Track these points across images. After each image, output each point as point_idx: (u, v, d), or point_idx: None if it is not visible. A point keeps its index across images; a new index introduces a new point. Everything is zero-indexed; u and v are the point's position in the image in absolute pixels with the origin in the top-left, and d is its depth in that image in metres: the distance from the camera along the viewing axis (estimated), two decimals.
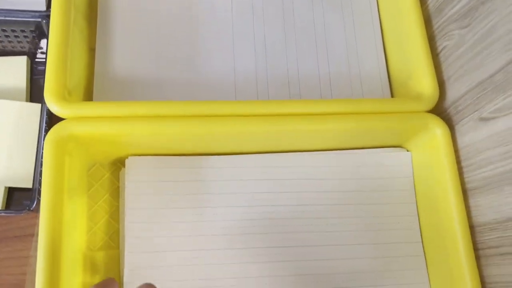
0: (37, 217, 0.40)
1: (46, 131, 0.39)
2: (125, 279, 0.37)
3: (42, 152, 0.37)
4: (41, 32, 0.43)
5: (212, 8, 0.45)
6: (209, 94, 0.43)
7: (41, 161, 0.37)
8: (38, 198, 0.37)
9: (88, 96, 0.42)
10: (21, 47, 0.44)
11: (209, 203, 0.40)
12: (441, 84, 0.41)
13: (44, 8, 0.43)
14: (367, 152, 0.44)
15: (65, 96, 0.37)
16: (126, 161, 0.40)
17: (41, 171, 0.37)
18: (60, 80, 0.36)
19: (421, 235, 0.42)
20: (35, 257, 0.37)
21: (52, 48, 0.37)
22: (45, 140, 0.35)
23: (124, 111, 0.36)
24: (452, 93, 0.40)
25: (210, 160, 0.41)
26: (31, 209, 0.36)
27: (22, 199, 0.40)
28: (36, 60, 0.44)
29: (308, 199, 0.41)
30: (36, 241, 0.37)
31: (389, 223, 0.42)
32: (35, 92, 0.44)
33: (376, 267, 0.40)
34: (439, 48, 0.42)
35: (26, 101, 0.42)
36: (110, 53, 0.42)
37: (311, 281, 0.39)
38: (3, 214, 0.38)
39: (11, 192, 0.40)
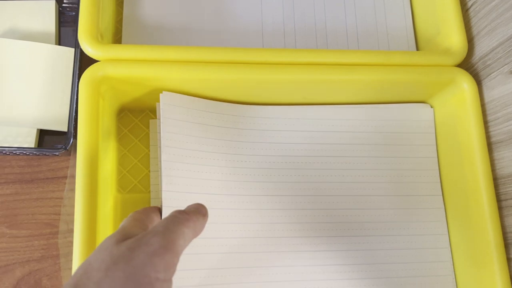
0: (68, 160, 0.40)
1: (78, 75, 0.39)
2: (163, 217, 0.37)
3: (77, 95, 0.37)
4: None
5: None
6: (236, 44, 0.43)
7: (75, 105, 0.38)
8: (72, 140, 0.37)
9: (117, 40, 0.42)
10: None
11: (239, 150, 0.40)
12: (470, 39, 0.41)
13: None
14: (392, 107, 0.44)
15: (98, 38, 0.37)
16: (161, 95, 0.39)
17: (75, 114, 0.38)
18: (93, 23, 0.36)
19: (441, 188, 0.43)
20: (69, 198, 0.38)
21: None
22: (80, 81, 0.35)
23: (157, 54, 0.36)
24: (480, 48, 0.40)
25: (241, 108, 0.41)
26: (67, 148, 0.37)
27: (53, 142, 0.40)
28: (63, 5, 0.44)
29: (334, 151, 0.42)
30: (70, 183, 0.38)
31: (411, 176, 0.43)
32: (62, 38, 0.43)
33: (397, 218, 0.41)
34: (469, 3, 0.42)
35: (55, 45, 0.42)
36: None
37: (335, 229, 0.40)
38: (38, 153, 0.39)
39: (42, 136, 0.41)
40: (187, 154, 0.38)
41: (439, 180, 0.43)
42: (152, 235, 0.25)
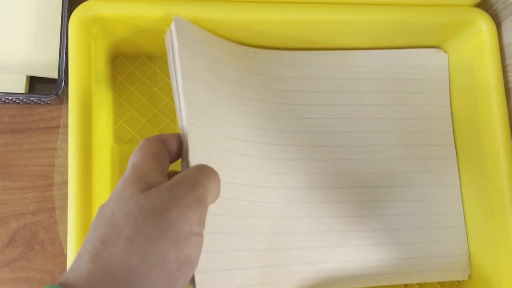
0: (61, 109, 0.38)
1: (68, 17, 0.36)
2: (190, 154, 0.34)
3: (66, 37, 0.35)
4: None
5: None
6: None
7: (66, 48, 0.35)
8: (64, 87, 0.35)
9: None
10: None
11: (249, 95, 0.37)
12: None
13: None
14: (403, 52, 0.41)
15: None
16: (174, 19, 0.32)
17: (66, 58, 0.35)
18: None
19: (454, 138, 0.41)
20: (63, 149, 0.36)
21: None
22: (69, 21, 0.32)
23: None
24: None
25: (251, 51, 0.38)
26: (58, 94, 0.34)
27: (44, 90, 0.38)
28: None
29: (343, 99, 0.39)
30: (63, 133, 0.36)
31: (423, 125, 0.41)
32: None
33: (408, 168, 0.39)
34: None
35: None
36: None
37: (344, 180, 0.38)
38: (28, 101, 0.36)
39: (32, 83, 0.38)
40: (207, 91, 0.33)
41: (451, 130, 0.41)
42: (182, 186, 0.23)
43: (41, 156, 0.38)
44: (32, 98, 0.35)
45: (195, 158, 0.28)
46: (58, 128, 0.38)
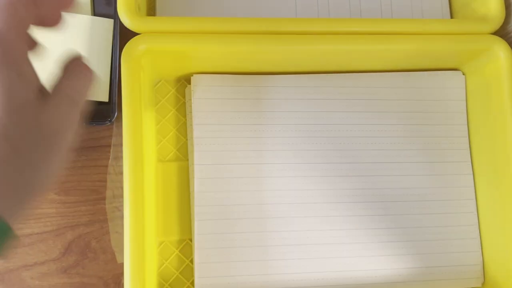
0: (109, 129, 0.42)
1: (119, 49, 0.40)
2: (195, 188, 0.39)
3: (118, 68, 0.38)
4: None
5: None
6: (269, 13, 0.43)
7: (117, 78, 0.39)
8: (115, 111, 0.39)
9: (151, 12, 0.42)
10: None
11: (272, 120, 0.41)
12: (508, 5, 0.41)
13: None
14: (423, 74, 0.44)
15: (137, 10, 0.37)
16: (192, 78, 0.41)
17: (116, 87, 0.39)
18: None
19: (470, 155, 0.44)
20: (113, 166, 0.40)
21: None
22: (122, 54, 0.36)
23: (196, 26, 0.37)
24: None
25: (274, 79, 0.42)
26: (112, 121, 0.38)
27: (96, 113, 0.42)
28: None
29: (366, 119, 0.42)
30: (114, 152, 0.40)
31: (441, 143, 0.44)
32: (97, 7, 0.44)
33: (428, 183, 0.42)
34: None
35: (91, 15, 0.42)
36: None
37: (370, 194, 0.41)
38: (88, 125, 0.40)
39: None
40: (219, 129, 0.40)
41: (468, 147, 0.44)
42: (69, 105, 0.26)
43: (92, 172, 0.41)
44: (93, 124, 0.39)
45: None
46: (107, 147, 0.42)
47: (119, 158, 0.41)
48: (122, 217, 0.40)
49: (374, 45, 0.39)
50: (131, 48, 0.36)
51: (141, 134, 0.36)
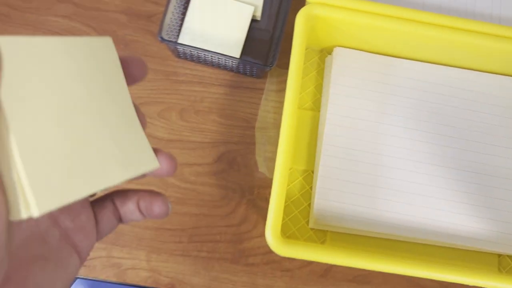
0: (260, 82, 0.54)
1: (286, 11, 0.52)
2: (325, 131, 0.50)
3: (283, 26, 0.51)
4: None
5: None
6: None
7: (282, 33, 0.51)
8: (275, 61, 0.51)
9: None
10: None
11: (395, 91, 0.52)
12: None
13: None
14: None
15: None
16: (335, 49, 0.53)
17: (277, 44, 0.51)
18: None
19: None
20: (264, 104, 0.52)
21: None
22: (297, 16, 0.48)
23: (353, 4, 0.49)
24: None
25: (404, 62, 0.53)
26: (271, 68, 0.50)
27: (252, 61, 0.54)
28: None
29: (477, 118, 0.52)
30: (266, 94, 0.52)
31: None
32: None
33: None
34: None
35: None
36: None
37: (468, 165, 0.51)
38: (244, 70, 0.52)
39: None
40: (351, 91, 0.51)
41: None
42: None
43: (246, 106, 0.53)
44: (264, 68, 0.51)
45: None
46: (259, 90, 0.54)
47: (268, 99, 0.53)
48: (264, 143, 0.52)
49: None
50: (306, 13, 0.48)
51: (299, 85, 0.48)
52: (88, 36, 0.25)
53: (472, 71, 0.54)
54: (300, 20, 0.48)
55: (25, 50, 0.22)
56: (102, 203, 0.29)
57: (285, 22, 0.52)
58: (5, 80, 0.20)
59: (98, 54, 0.25)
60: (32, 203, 0.20)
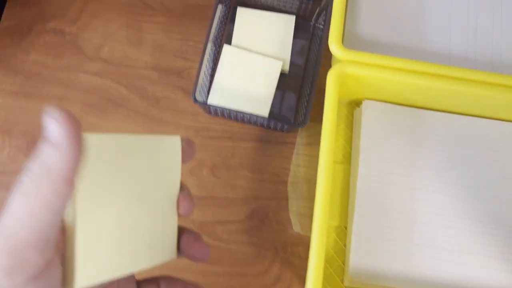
0: (290, 135, 0.54)
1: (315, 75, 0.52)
2: (358, 184, 0.50)
3: (313, 86, 0.51)
4: None
5: None
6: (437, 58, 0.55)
7: (312, 92, 0.52)
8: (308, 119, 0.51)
9: None
10: (290, 7, 0.58)
11: (426, 144, 0.52)
12: None
13: None
14: None
15: (342, 44, 0.50)
16: (364, 103, 0.53)
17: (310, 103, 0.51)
18: (340, 31, 0.50)
19: None
20: (296, 158, 0.52)
21: (336, 7, 0.50)
22: (329, 75, 0.48)
23: (381, 61, 0.49)
24: None
25: (434, 114, 0.53)
26: (304, 126, 0.50)
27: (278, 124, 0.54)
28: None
29: (501, 166, 0.52)
30: (297, 148, 0.52)
31: None
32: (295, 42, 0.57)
33: None
34: None
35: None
36: (357, 12, 0.55)
37: (496, 218, 0.50)
38: (287, 128, 0.52)
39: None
40: (381, 144, 0.51)
41: None
42: None
43: (276, 160, 0.53)
44: (293, 127, 0.51)
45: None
46: (289, 144, 0.54)
47: (299, 153, 0.53)
48: (296, 198, 0.51)
49: None
50: (336, 71, 0.49)
51: (334, 140, 0.48)
52: (159, 135, 0.28)
53: (506, 122, 0.54)
54: (332, 78, 0.49)
55: (104, 145, 0.24)
56: (147, 285, 0.30)
57: (316, 79, 0.53)
58: (84, 173, 0.23)
59: (165, 150, 0.28)
60: (76, 278, 0.24)
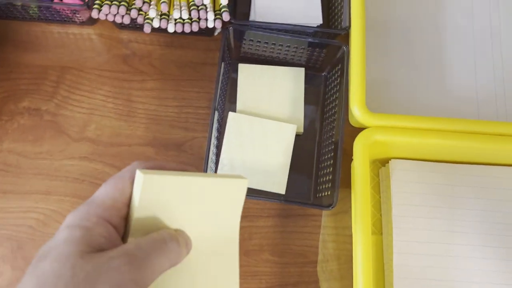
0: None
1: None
2: (394, 262, 0.45)
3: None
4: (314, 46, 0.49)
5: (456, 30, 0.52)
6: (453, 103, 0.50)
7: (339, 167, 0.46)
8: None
9: None
10: (298, 59, 0.51)
11: (459, 205, 0.47)
12: None
13: (320, 21, 0.50)
14: None
15: (365, 108, 0.44)
16: (390, 162, 0.48)
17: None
18: (362, 95, 0.44)
19: None
20: (324, 234, 0.46)
21: (355, 67, 0.44)
22: (355, 142, 0.43)
23: (405, 123, 0.44)
24: None
25: (464, 168, 0.48)
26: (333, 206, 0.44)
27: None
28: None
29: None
30: (325, 221, 0.46)
31: None
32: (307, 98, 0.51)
33: None
34: None
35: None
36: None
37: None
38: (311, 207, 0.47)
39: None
40: (415, 210, 0.46)
41: None
42: (126, 262, 0.22)
43: (300, 237, 0.47)
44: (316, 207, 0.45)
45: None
46: (312, 216, 0.48)
47: (326, 227, 0.47)
48: (328, 279, 0.46)
49: None
50: (363, 138, 0.43)
51: (368, 210, 0.42)
52: (228, 177, 0.27)
53: None
54: (360, 145, 0.43)
55: (176, 189, 0.25)
56: None
57: (340, 152, 0.45)
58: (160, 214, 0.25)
59: (231, 193, 0.27)
60: None
